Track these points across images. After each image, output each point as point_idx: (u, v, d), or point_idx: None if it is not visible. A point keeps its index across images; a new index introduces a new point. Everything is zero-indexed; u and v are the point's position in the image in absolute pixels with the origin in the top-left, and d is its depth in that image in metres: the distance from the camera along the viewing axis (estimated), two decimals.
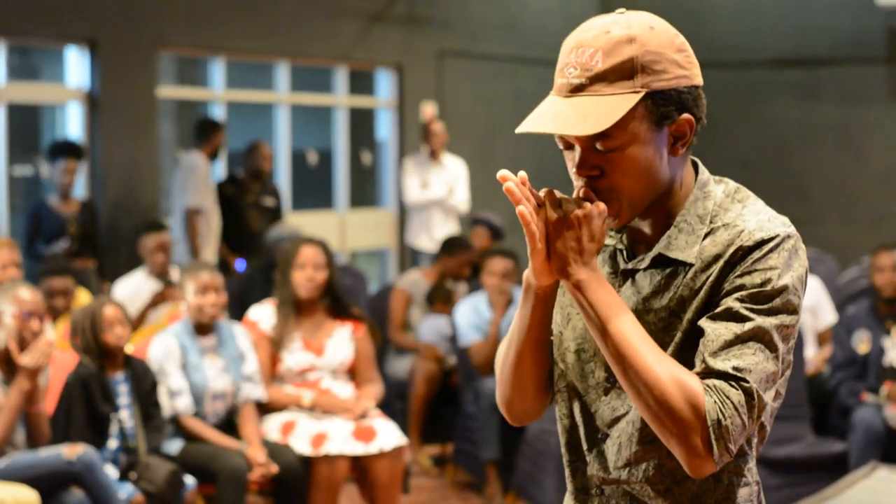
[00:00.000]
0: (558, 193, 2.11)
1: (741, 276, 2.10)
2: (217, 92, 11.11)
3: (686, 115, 2.14)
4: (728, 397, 2.03)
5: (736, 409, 2.03)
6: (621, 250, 2.26)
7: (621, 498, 2.25)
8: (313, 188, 12.51)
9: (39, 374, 5.57)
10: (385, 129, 12.78)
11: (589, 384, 2.28)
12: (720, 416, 2.02)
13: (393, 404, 8.09)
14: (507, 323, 7.34)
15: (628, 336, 2.08)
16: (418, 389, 8.11)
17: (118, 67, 9.98)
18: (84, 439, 5.62)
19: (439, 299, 8.49)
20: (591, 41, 2.12)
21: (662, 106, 2.12)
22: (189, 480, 5.82)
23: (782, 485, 6.87)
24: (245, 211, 10.05)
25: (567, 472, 2.35)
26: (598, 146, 2.11)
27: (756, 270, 2.09)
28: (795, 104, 13.66)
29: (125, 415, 5.77)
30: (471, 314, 7.65)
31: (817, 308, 8.10)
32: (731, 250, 2.11)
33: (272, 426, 6.29)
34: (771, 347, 2.07)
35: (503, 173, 2.07)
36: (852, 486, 5.60)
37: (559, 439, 2.36)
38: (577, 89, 2.11)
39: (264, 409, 6.35)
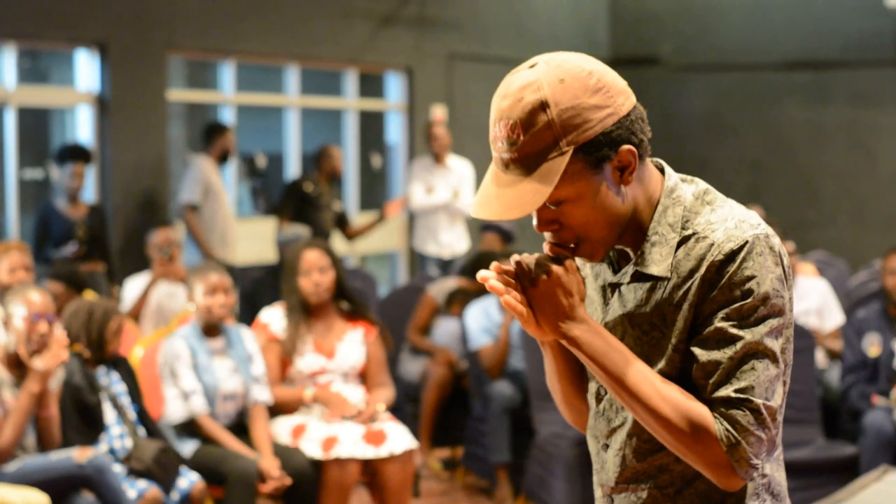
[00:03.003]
0: (526, 258, 2.17)
1: (721, 292, 2.14)
2: (227, 95, 11.11)
3: (623, 147, 2.15)
4: (737, 421, 2.11)
5: (746, 429, 2.11)
6: (610, 263, 2.32)
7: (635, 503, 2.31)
8: None
9: (50, 378, 5.58)
10: (395, 131, 12.78)
11: (591, 394, 2.39)
12: (732, 440, 2.11)
13: (404, 407, 8.08)
14: (518, 326, 7.33)
15: (631, 378, 2.14)
16: (430, 394, 8.09)
17: (128, 70, 9.98)
18: (78, 434, 5.66)
19: (457, 302, 8.44)
20: (508, 112, 2.13)
21: (594, 153, 2.13)
22: (194, 477, 5.83)
23: (793, 488, 6.81)
24: (322, 211, 10.10)
25: (595, 477, 2.44)
26: (549, 205, 2.16)
27: (734, 284, 2.13)
28: (805, 106, 13.63)
29: (119, 403, 5.82)
30: (481, 317, 7.63)
31: (824, 310, 8.08)
32: (704, 266, 2.16)
33: (283, 429, 6.29)
34: (767, 354, 2.14)
35: (482, 275, 2.14)
36: (863, 489, 5.58)
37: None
38: (509, 164, 2.14)
39: (275, 411, 6.35)
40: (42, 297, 5.68)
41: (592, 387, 2.36)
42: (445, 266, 10.85)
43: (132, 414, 5.91)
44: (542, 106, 2.11)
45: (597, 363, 2.16)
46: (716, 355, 2.13)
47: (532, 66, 2.16)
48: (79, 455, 5.47)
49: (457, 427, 8.17)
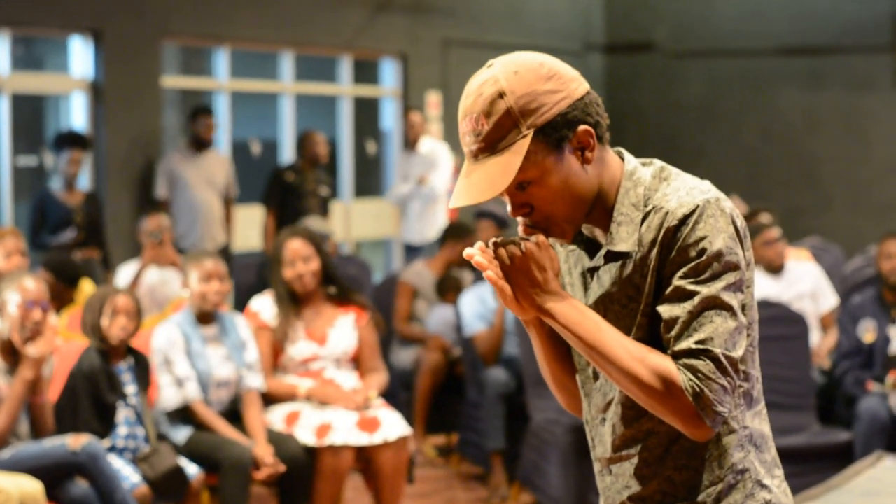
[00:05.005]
0: (502, 239, 2.35)
1: (677, 254, 2.30)
2: (221, 81, 11.10)
3: (581, 127, 2.33)
4: (698, 370, 2.25)
5: (709, 377, 2.25)
6: (587, 250, 2.48)
7: (627, 470, 2.44)
8: None
9: (43, 365, 5.57)
10: (390, 118, 12.77)
11: (587, 374, 2.51)
12: (695, 389, 2.25)
13: (398, 394, 8.08)
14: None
15: (604, 343, 2.30)
16: (423, 380, 8.09)
17: (122, 57, 9.97)
18: (90, 429, 5.64)
19: (450, 289, 8.43)
20: (471, 107, 2.33)
21: (553, 134, 2.31)
22: (193, 470, 5.82)
23: (787, 474, 6.78)
24: (305, 199, 10.13)
25: (592, 454, 2.57)
26: (517, 188, 2.34)
27: (688, 245, 2.29)
28: (801, 92, 13.62)
29: (132, 403, 5.78)
30: (476, 303, 7.63)
31: (817, 293, 8.08)
32: (662, 233, 2.32)
33: (276, 416, 6.28)
34: (725, 308, 2.28)
35: (468, 252, 2.32)
36: (858, 475, 5.59)
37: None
38: (478, 153, 2.33)
39: (268, 399, 6.35)
40: (36, 284, 5.67)
41: (590, 365, 2.47)
42: (416, 252, 10.86)
43: (146, 415, 5.87)
44: (500, 95, 2.30)
45: (572, 332, 2.31)
46: (676, 311, 2.28)
47: (489, 66, 2.36)
48: (72, 442, 5.46)
49: (451, 413, 8.17)
